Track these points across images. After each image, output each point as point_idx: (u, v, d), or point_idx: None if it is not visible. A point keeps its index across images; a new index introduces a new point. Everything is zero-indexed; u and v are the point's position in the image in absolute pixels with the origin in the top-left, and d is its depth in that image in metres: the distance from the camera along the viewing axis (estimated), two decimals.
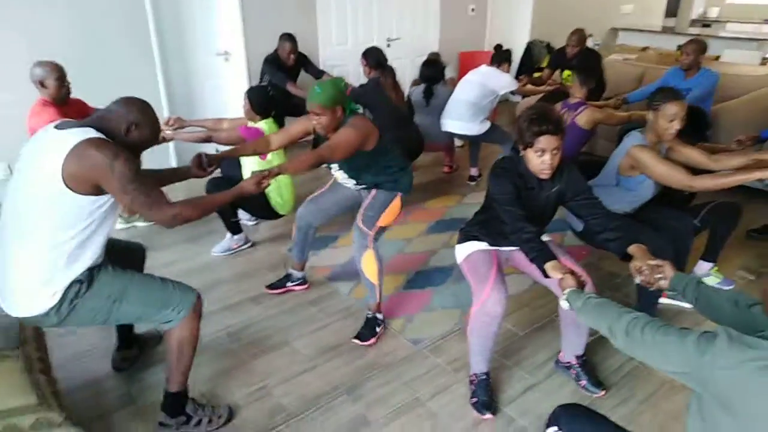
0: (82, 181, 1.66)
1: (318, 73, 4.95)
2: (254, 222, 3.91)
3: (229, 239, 3.51)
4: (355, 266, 2.69)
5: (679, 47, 4.08)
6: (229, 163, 3.54)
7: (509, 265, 2.41)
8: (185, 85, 4.94)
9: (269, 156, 3.21)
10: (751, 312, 1.39)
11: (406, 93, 4.72)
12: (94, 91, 3.49)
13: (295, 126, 2.66)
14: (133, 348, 2.52)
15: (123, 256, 2.13)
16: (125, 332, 2.47)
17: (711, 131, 4.11)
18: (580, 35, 4.79)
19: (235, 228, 3.50)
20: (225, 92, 5.11)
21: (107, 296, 1.86)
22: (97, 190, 1.70)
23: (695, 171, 2.51)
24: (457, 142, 5.25)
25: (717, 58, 6.44)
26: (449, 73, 5.48)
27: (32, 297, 1.78)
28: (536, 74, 5.91)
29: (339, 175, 2.69)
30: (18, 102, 3.58)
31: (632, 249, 1.89)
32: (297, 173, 2.82)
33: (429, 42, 6.43)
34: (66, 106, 3.20)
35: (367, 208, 2.66)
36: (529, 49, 7.17)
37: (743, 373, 1.07)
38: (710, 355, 1.12)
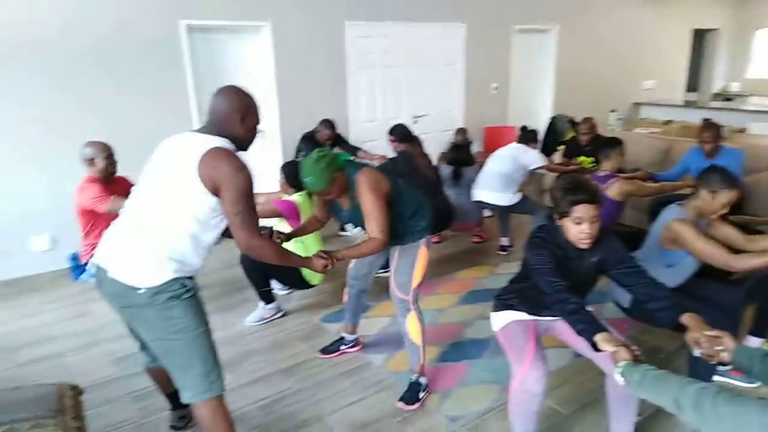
0: (208, 180, 1.77)
1: (352, 150, 5.12)
2: (287, 291, 3.92)
3: (262, 308, 3.52)
4: (388, 336, 2.66)
5: (705, 120, 4.15)
6: None
7: (549, 335, 2.35)
8: None
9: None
10: None
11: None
12: (141, 167, 3.67)
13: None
14: (188, 406, 2.45)
15: None
16: (174, 395, 2.35)
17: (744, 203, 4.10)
18: (589, 123, 4.91)
19: (267, 297, 3.51)
20: (259, 167, 5.29)
21: (193, 316, 1.88)
22: (218, 194, 1.80)
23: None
24: (485, 212, 5.29)
25: (742, 130, 6.47)
26: (476, 147, 5.62)
27: (139, 269, 1.82)
28: (559, 147, 5.97)
29: (356, 232, 2.68)
30: (66, 178, 3.78)
31: (686, 319, 1.83)
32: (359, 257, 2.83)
33: (454, 118, 6.64)
34: (111, 184, 3.34)
35: (396, 273, 2.65)
36: (553, 123, 7.33)
37: None
38: None
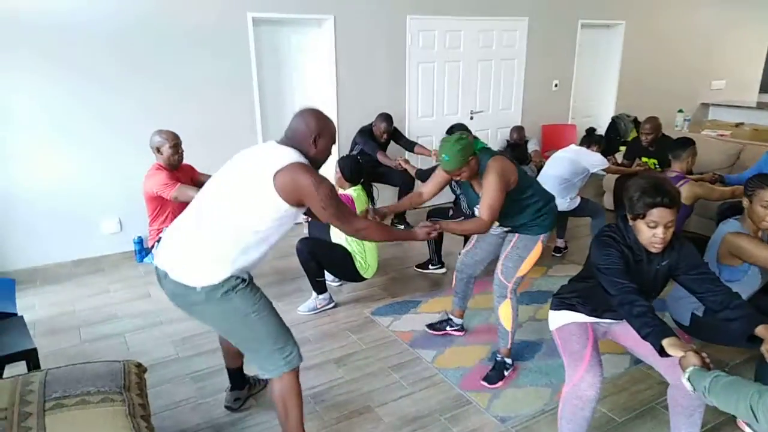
0: (287, 192, 1.87)
1: (409, 145, 5.12)
2: (338, 283, 3.98)
3: (314, 298, 3.58)
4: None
5: None
6: (317, 226, 3.71)
7: (607, 338, 2.28)
8: None
9: None
10: None
11: None
12: (204, 157, 3.82)
13: (440, 173, 2.76)
14: (244, 389, 2.62)
15: None
16: (236, 373, 2.58)
17: None
18: (653, 123, 4.64)
19: (320, 287, 3.56)
20: None
21: (252, 304, 1.98)
22: (297, 204, 1.92)
23: None
24: None
25: None
26: (533, 146, 5.50)
27: (197, 270, 1.92)
28: (621, 147, 5.78)
29: (494, 227, 2.71)
30: (136, 165, 3.96)
31: (761, 330, 1.74)
32: (463, 235, 3.00)
33: (511, 114, 6.52)
34: (178, 171, 3.47)
35: (507, 258, 2.73)
36: (614, 123, 7.08)
37: None
38: None
